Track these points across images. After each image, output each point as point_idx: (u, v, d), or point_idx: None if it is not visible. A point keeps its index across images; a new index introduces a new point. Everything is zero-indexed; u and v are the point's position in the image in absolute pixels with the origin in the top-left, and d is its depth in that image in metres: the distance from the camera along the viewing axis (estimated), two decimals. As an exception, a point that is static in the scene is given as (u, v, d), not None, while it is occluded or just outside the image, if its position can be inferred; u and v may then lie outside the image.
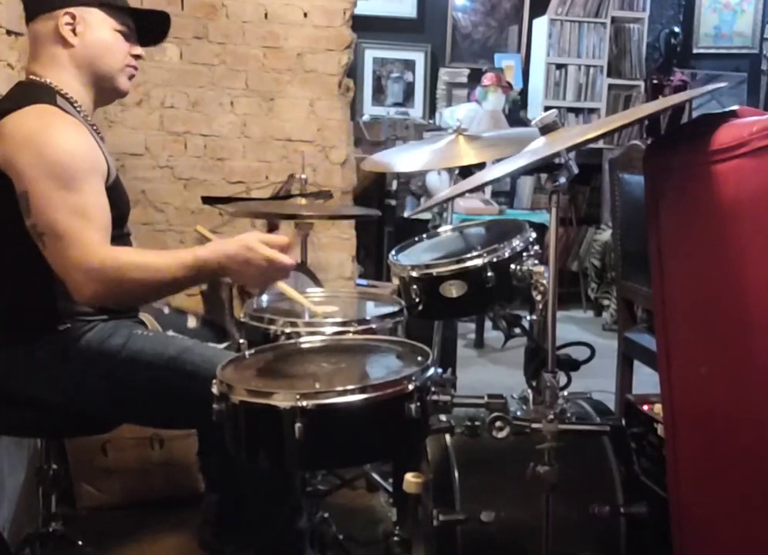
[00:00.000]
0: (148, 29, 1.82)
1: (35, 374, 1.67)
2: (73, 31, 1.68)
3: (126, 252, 1.62)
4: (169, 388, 1.66)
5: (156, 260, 1.58)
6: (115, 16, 1.73)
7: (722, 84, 1.65)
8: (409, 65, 5.87)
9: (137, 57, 1.78)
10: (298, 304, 1.80)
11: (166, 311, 1.96)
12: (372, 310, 1.92)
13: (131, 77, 1.79)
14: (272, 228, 3.11)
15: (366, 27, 4.94)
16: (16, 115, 1.59)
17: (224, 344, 1.94)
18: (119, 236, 1.74)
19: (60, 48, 1.69)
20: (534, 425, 1.39)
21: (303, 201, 2.41)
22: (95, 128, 1.75)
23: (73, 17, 1.67)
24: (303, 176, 2.44)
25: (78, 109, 1.71)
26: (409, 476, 1.63)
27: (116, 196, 1.70)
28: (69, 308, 1.67)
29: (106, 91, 1.77)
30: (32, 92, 1.66)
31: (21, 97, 1.65)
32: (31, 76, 1.71)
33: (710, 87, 1.60)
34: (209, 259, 1.58)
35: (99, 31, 1.71)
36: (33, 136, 1.56)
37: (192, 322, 1.98)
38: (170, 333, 1.86)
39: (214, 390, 1.35)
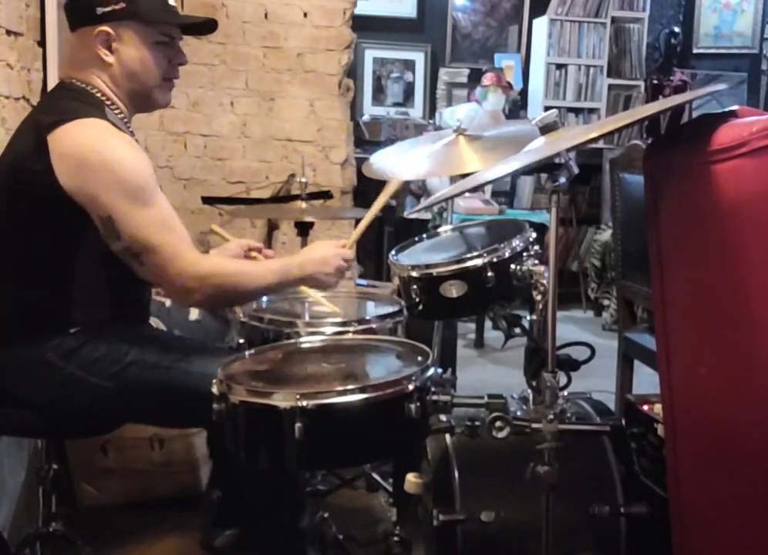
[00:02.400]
0: (196, 28, 1.81)
1: (42, 374, 1.67)
2: (109, 48, 1.66)
3: (225, 261, 1.75)
4: (173, 389, 1.66)
5: (252, 268, 1.72)
6: (153, 28, 1.69)
7: (723, 86, 1.65)
8: (409, 65, 5.87)
9: (180, 64, 1.75)
10: (317, 305, 1.85)
11: (168, 304, 1.97)
12: (372, 310, 1.92)
13: (171, 89, 1.77)
14: (272, 227, 3.11)
15: (366, 27, 4.93)
16: (70, 129, 1.58)
17: (224, 343, 1.95)
18: None
19: (99, 64, 1.68)
20: (534, 425, 1.39)
21: (303, 205, 2.41)
22: (133, 133, 1.76)
23: (108, 35, 1.65)
24: (303, 180, 2.44)
25: (123, 119, 1.71)
26: (410, 476, 1.63)
27: None
28: (79, 313, 1.68)
29: (143, 104, 1.77)
30: (79, 101, 1.65)
31: (70, 107, 1.63)
32: (74, 81, 1.70)
33: (711, 89, 1.60)
34: (290, 264, 1.71)
35: (135, 49, 1.67)
36: (97, 159, 1.56)
37: (194, 314, 1.99)
38: (177, 332, 1.87)
39: (214, 390, 1.35)
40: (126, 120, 1.73)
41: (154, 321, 1.86)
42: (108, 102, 1.69)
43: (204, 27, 1.81)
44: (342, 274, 1.76)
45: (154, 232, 1.59)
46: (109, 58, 1.67)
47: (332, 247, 1.75)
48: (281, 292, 1.89)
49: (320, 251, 1.73)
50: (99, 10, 1.64)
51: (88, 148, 1.58)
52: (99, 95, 1.69)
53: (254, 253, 1.93)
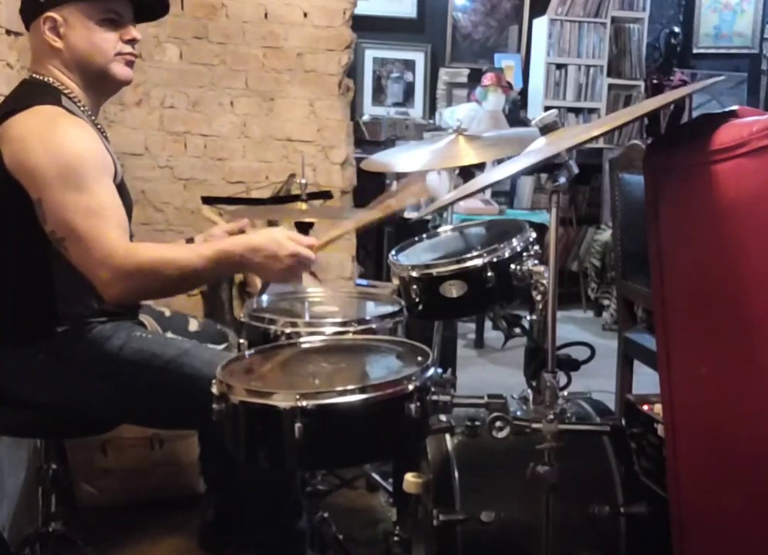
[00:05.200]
0: (147, 6, 1.76)
1: (35, 375, 1.67)
2: (57, 34, 1.65)
3: (148, 249, 1.59)
4: (168, 389, 1.66)
5: (179, 255, 1.58)
6: (98, 6, 1.66)
7: (721, 78, 1.65)
8: (409, 65, 5.87)
9: (132, 40, 1.72)
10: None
11: (168, 313, 1.96)
12: (372, 310, 1.92)
13: (129, 63, 1.73)
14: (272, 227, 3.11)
15: (366, 27, 4.93)
16: (21, 116, 1.58)
17: (223, 346, 1.94)
18: None
19: (51, 53, 1.67)
20: (534, 425, 1.39)
21: (303, 205, 2.41)
22: (99, 128, 1.74)
23: (54, 20, 1.64)
24: (303, 181, 2.44)
25: (82, 109, 1.70)
26: (409, 476, 1.63)
27: (121, 197, 1.69)
28: (67, 310, 1.67)
29: (103, 85, 1.74)
30: (36, 92, 1.65)
31: (26, 97, 1.64)
32: (35, 75, 1.70)
33: (710, 81, 1.60)
34: (232, 251, 1.58)
35: (82, 30, 1.66)
36: (41, 140, 1.55)
37: (194, 325, 1.98)
38: (170, 335, 1.86)
39: (214, 390, 1.35)
40: (85, 108, 1.70)
41: (147, 320, 1.85)
42: (66, 91, 1.68)
43: (155, 8, 1.79)
44: (296, 273, 1.64)
45: (79, 218, 1.52)
46: (58, 44, 1.66)
47: (291, 243, 1.59)
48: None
49: (275, 243, 1.58)
50: None
51: (32, 130, 1.56)
52: (56, 85, 1.67)
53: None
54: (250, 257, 1.58)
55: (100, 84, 1.73)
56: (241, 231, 1.87)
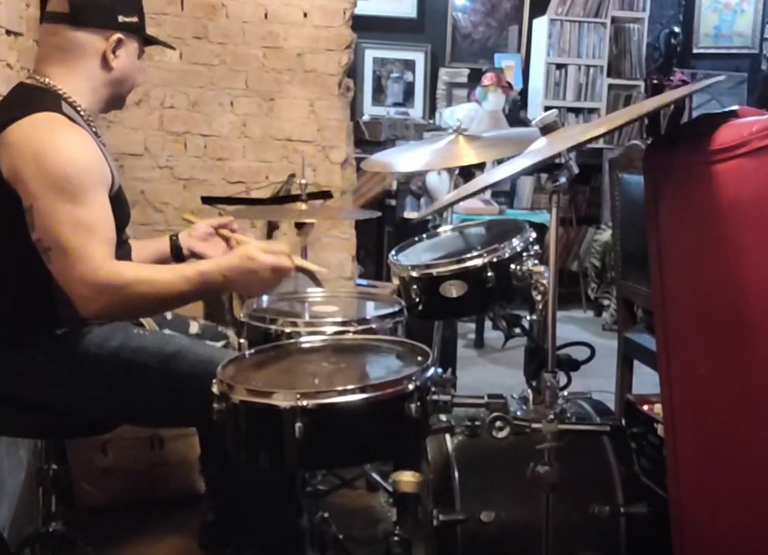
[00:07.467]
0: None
1: (35, 377, 1.67)
2: (114, 53, 1.70)
3: (132, 267, 1.62)
4: (168, 386, 1.66)
5: (161, 276, 1.59)
6: (142, 45, 1.80)
7: (721, 77, 1.66)
8: (409, 65, 5.87)
9: None
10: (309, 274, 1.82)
11: (169, 316, 1.96)
12: (372, 310, 1.92)
13: None
14: (272, 227, 3.11)
15: (366, 27, 4.92)
16: (22, 123, 1.57)
17: (222, 343, 1.95)
18: (119, 243, 1.74)
19: (95, 65, 1.70)
20: (534, 425, 1.39)
21: (303, 206, 2.40)
22: (96, 133, 1.74)
23: (121, 41, 1.70)
24: (304, 182, 2.43)
25: (82, 114, 1.70)
26: (404, 475, 1.63)
27: (119, 204, 1.69)
28: (67, 312, 1.66)
29: (113, 105, 1.82)
30: (36, 97, 1.65)
31: (26, 103, 1.63)
32: (37, 76, 1.69)
33: (710, 81, 1.60)
34: (212, 272, 1.60)
35: (131, 57, 1.76)
36: (38, 148, 1.54)
37: (194, 328, 1.99)
38: (167, 332, 1.86)
39: (215, 389, 1.35)
40: (85, 113, 1.71)
41: (146, 321, 1.85)
42: (70, 99, 1.68)
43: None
44: (272, 285, 1.66)
45: (68, 230, 1.52)
46: (113, 63, 1.71)
47: (267, 256, 1.62)
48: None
49: (250, 261, 1.61)
50: (121, 18, 1.70)
51: (31, 138, 1.56)
52: (60, 91, 1.67)
53: (224, 232, 1.93)
54: (229, 277, 1.61)
55: (114, 103, 1.81)
56: (227, 227, 1.92)
